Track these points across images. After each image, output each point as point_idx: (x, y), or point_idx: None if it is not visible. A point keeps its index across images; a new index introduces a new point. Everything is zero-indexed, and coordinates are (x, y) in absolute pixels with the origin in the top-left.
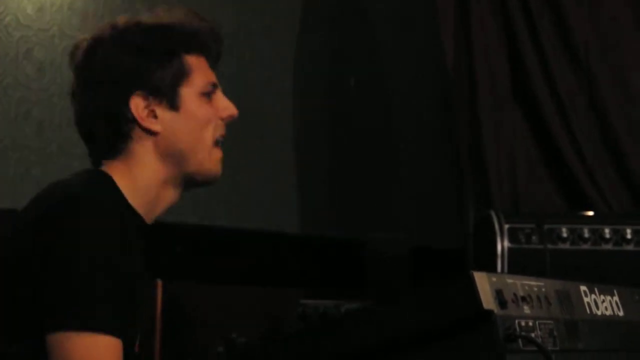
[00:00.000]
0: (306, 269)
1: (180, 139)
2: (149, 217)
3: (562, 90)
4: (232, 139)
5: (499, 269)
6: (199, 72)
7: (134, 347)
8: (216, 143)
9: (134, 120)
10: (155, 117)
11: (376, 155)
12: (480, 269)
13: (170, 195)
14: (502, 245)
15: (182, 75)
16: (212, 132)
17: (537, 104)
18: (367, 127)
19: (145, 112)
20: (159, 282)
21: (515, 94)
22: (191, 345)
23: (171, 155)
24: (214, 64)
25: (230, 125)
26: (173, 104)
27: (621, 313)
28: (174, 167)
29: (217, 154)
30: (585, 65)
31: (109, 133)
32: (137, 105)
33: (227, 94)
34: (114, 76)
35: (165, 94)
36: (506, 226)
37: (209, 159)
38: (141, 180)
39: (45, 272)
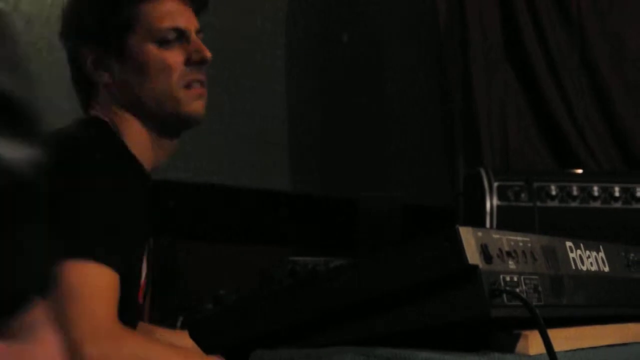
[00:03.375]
0: (297, 227)
1: (134, 89)
2: (147, 163)
3: (554, 49)
4: (223, 95)
5: (487, 226)
6: (156, 16)
7: (137, 296)
8: (187, 85)
9: (89, 75)
10: (106, 69)
11: (367, 113)
12: (470, 225)
13: (158, 147)
14: (491, 202)
15: (130, 23)
16: (175, 78)
17: (529, 63)
18: (359, 84)
19: (95, 65)
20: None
21: (507, 53)
22: (180, 302)
23: (133, 105)
24: (197, 5)
25: (221, 81)
26: (119, 55)
27: (606, 269)
28: (142, 116)
29: (187, 95)
30: (578, 24)
31: (78, 85)
32: (87, 58)
33: (218, 48)
34: (71, 30)
35: (112, 46)
36: (495, 184)
37: (176, 103)
38: (125, 130)
39: (48, 209)
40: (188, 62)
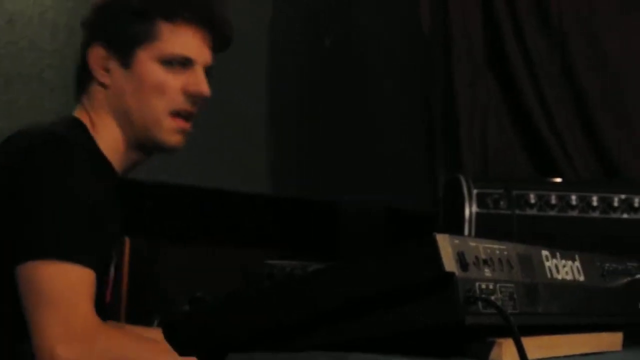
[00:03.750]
0: (277, 230)
1: (126, 98)
2: (117, 166)
3: (535, 56)
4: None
5: (466, 233)
6: (171, 40)
7: (105, 294)
8: (174, 114)
9: (91, 70)
10: (108, 70)
11: (349, 116)
12: (448, 232)
13: (130, 156)
14: (470, 209)
15: (145, 37)
16: (166, 102)
17: (510, 70)
18: (341, 88)
19: (100, 63)
20: (127, 239)
21: (489, 60)
22: (156, 303)
23: (119, 112)
24: (217, 44)
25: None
26: (125, 62)
27: (582, 278)
28: (123, 125)
29: (170, 124)
30: (559, 32)
31: (77, 78)
32: (95, 55)
33: None
34: (87, 25)
35: (121, 51)
36: (475, 191)
37: (158, 128)
38: (101, 131)
39: (15, 207)
40: (185, 91)
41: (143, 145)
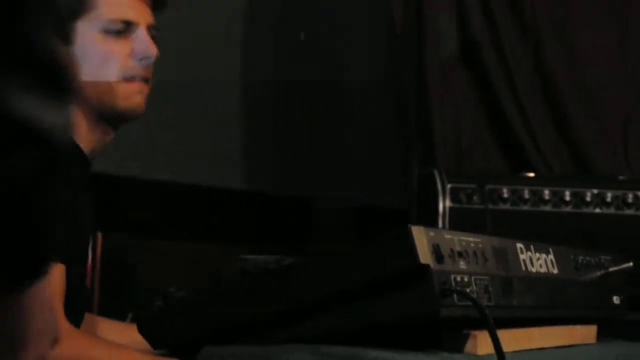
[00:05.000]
0: (251, 225)
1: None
2: (86, 149)
3: (509, 53)
4: (177, 91)
5: (440, 227)
6: (107, 5)
7: (85, 280)
8: (127, 79)
9: None
10: None
11: (323, 112)
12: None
13: (95, 134)
14: (443, 204)
15: (81, 8)
16: (116, 69)
17: (483, 66)
18: (315, 83)
19: None
20: (99, 234)
21: (462, 55)
22: (130, 298)
23: None
24: (155, 1)
25: (176, 78)
26: (66, 38)
27: (555, 271)
28: (80, 102)
29: (126, 88)
30: (532, 29)
31: None
32: None
33: (173, 45)
34: (29, 9)
35: (60, 27)
36: (448, 186)
37: (114, 95)
38: None
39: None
40: (132, 55)
41: (105, 117)
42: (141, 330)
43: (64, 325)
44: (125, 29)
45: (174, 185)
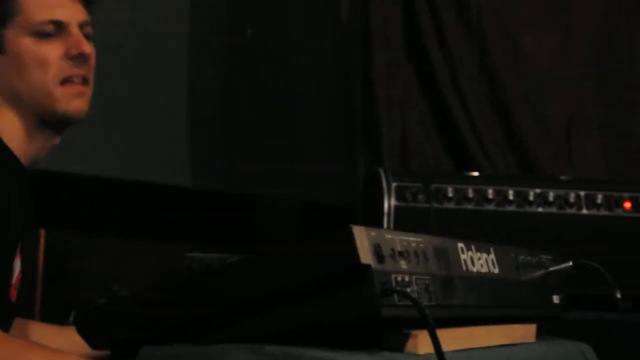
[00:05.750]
0: (196, 223)
1: (11, 82)
2: (24, 157)
3: (454, 53)
4: (123, 88)
5: (385, 226)
6: (33, 9)
7: (9, 294)
8: (65, 81)
9: None
10: None
11: (270, 109)
12: (368, 225)
13: (38, 139)
14: (389, 202)
15: (8, 14)
16: (51, 73)
17: (429, 65)
18: (262, 80)
19: None
20: (42, 231)
21: (409, 54)
22: (73, 297)
23: (9, 98)
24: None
25: (123, 75)
26: None
27: (496, 270)
28: (19, 109)
29: (63, 92)
30: (477, 28)
31: None
32: None
33: (119, 41)
34: None
35: None
36: (394, 184)
37: (52, 100)
38: (0, 123)
39: None
40: (67, 56)
41: (46, 122)
42: (79, 329)
43: None
44: (56, 30)
45: (119, 182)
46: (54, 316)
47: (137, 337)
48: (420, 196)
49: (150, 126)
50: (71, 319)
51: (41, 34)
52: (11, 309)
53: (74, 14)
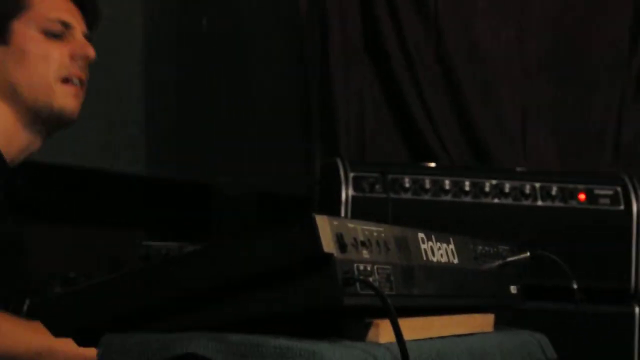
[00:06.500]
0: (151, 211)
1: (11, 73)
2: (10, 154)
3: (411, 43)
4: None
5: (342, 216)
6: (44, 5)
7: None
8: (65, 80)
9: None
10: None
11: (226, 99)
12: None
13: (25, 137)
14: (346, 193)
15: (16, 9)
16: (54, 69)
17: (386, 56)
18: (218, 70)
19: None
20: None
21: (366, 45)
22: (26, 285)
23: (7, 91)
24: (87, 15)
25: None
26: (2, 38)
27: (456, 260)
28: (14, 103)
29: (63, 89)
30: (434, 19)
31: None
32: None
33: None
34: None
35: None
36: (351, 174)
37: (51, 95)
38: None
39: None
40: (71, 57)
41: (39, 118)
42: (40, 317)
43: None
44: (63, 31)
45: (73, 169)
46: (7, 305)
47: (99, 325)
48: (377, 186)
49: (105, 114)
50: (26, 307)
51: (49, 32)
52: None
53: (79, 22)
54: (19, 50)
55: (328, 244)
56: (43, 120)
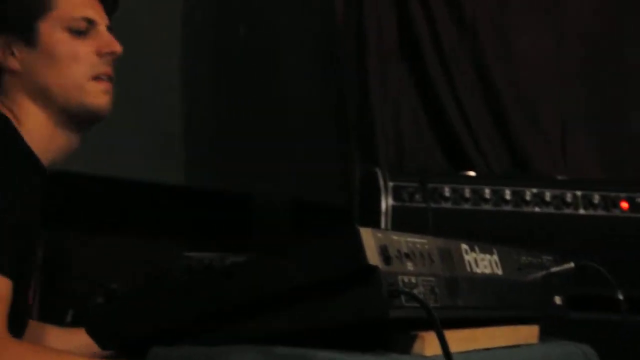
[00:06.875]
0: (191, 221)
1: (41, 76)
2: (44, 159)
3: (448, 52)
4: (117, 88)
5: (382, 226)
6: (67, 6)
7: (28, 297)
8: (95, 78)
9: None
10: (14, 55)
11: (264, 107)
12: (364, 225)
13: (62, 138)
14: (386, 202)
15: (40, 9)
16: (84, 68)
17: (423, 65)
18: (255, 78)
19: (3, 50)
20: None
21: (402, 52)
22: (69, 296)
23: (39, 94)
24: (107, 3)
25: (115, 72)
26: (29, 40)
27: (499, 271)
28: (47, 105)
29: (94, 87)
30: (471, 29)
31: None
32: None
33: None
34: None
35: (21, 30)
36: (390, 184)
37: (83, 93)
38: (25, 121)
39: None
40: (98, 53)
41: (73, 118)
42: (89, 330)
43: (3, 335)
44: (88, 28)
45: (113, 180)
46: (51, 315)
47: (144, 337)
48: (417, 196)
49: (145, 125)
50: (69, 318)
51: (74, 31)
52: (28, 310)
53: (102, 16)
54: (47, 52)
55: (373, 257)
56: (77, 119)
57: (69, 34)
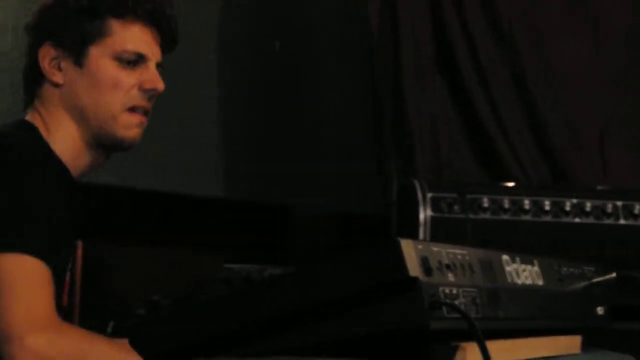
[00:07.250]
0: (229, 233)
1: (80, 96)
2: (73, 170)
3: (485, 62)
4: (155, 100)
5: (421, 237)
6: (122, 36)
7: (62, 298)
8: (131, 110)
9: (42, 70)
10: (61, 69)
11: (300, 120)
12: (403, 236)
13: (88, 156)
14: (424, 214)
15: (97, 34)
16: (122, 98)
17: (460, 75)
18: (291, 91)
19: (51, 63)
20: (80, 243)
21: (438, 64)
22: (110, 307)
23: (74, 111)
24: (165, 43)
25: None
26: (78, 60)
27: (541, 282)
28: (80, 124)
29: (128, 119)
30: (508, 38)
31: (27, 81)
32: (46, 55)
33: None
34: (36, 26)
35: (73, 49)
36: (429, 195)
37: (115, 123)
38: (55, 133)
39: None
40: (140, 87)
41: (101, 143)
42: (132, 342)
43: (55, 318)
44: (137, 61)
45: (152, 193)
46: (92, 327)
47: (186, 349)
48: (455, 207)
49: (183, 138)
50: (110, 329)
51: (123, 60)
52: (63, 312)
53: (155, 53)
54: (92, 75)
55: (414, 268)
56: (105, 145)
57: (117, 62)
